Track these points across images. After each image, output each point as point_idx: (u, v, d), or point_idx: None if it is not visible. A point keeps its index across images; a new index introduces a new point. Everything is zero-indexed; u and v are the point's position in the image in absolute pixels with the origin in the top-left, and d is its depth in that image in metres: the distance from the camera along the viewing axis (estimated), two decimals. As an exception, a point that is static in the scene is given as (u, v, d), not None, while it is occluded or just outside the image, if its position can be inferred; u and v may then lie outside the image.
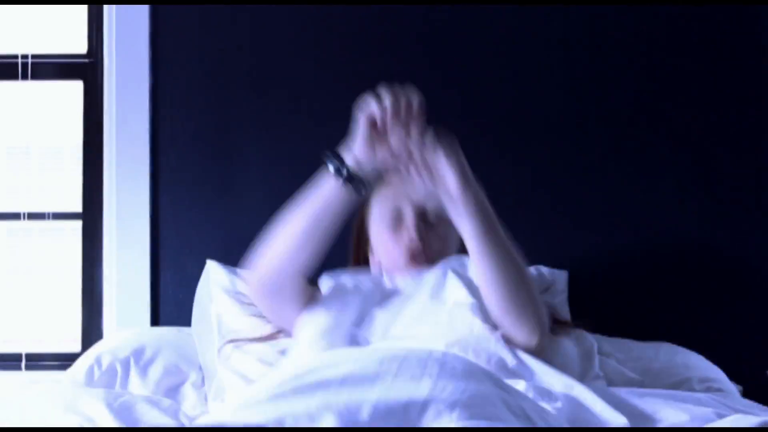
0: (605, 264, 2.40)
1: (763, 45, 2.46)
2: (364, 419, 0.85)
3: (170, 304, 2.39)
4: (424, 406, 0.88)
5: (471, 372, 1.00)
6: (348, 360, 1.03)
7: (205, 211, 2.42)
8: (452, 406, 0.88)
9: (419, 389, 0.91)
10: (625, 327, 2.22)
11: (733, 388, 1.95)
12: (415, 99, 1.52)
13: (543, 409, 1.14)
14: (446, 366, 0.99)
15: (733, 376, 2.02)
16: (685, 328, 2.32)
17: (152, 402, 1.66)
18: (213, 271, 2.11)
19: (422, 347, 1.20)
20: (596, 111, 2.45)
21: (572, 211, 2.41)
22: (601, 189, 2.42)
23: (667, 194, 2.42)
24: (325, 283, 1.79)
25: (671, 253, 2.41)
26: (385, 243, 1.78)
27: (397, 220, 1.77)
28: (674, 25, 2.46)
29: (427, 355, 1.04)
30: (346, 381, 0.92)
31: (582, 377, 1.73)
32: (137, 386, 1.89)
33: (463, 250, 1.66)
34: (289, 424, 0.85)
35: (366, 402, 0.87)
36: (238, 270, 2.09)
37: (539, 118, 2.44)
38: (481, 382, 0.97)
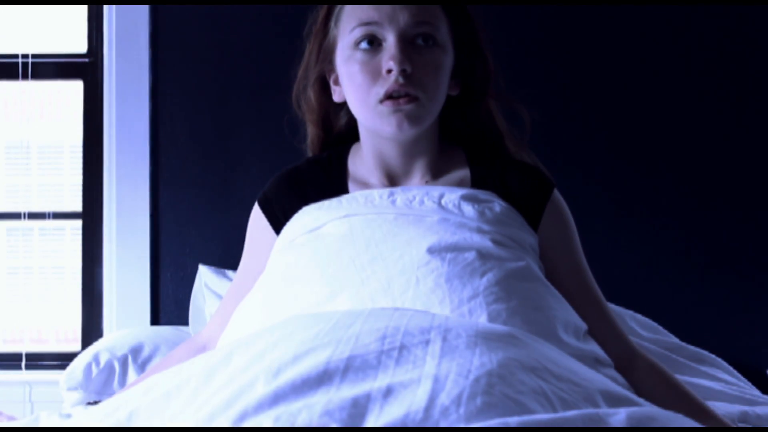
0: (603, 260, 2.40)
1: None
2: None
3: (170, 303, 2.39)
4: (426, 411, 0.75)
5: (477, 337, 0.85)
6: (336, 339, 0.84)
7: (204, 212, 2.42)
8: (457, 400, 0.74)
9: (418, 393, 0.75)
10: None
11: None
12: None
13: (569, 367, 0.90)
14: (450, 335, 0.84)
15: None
16: (684, 327, 2.31)
17: None
18: (205, 275, 2.16)
19: (417, 312, 0.95)
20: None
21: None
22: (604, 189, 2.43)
23: (665, 194, 2.42)
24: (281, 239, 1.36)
25: (671, 252, 2.41)
26: (353, 75, 1.30)
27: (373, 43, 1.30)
28: None
29: (429, 323, 0.87)
30: (348, 370, 0.80)
31: None
32: (135, 384, 1.89)
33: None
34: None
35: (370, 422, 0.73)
36: (228, 272, 2.14)
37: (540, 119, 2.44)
38: (492, 350, 0.83)
